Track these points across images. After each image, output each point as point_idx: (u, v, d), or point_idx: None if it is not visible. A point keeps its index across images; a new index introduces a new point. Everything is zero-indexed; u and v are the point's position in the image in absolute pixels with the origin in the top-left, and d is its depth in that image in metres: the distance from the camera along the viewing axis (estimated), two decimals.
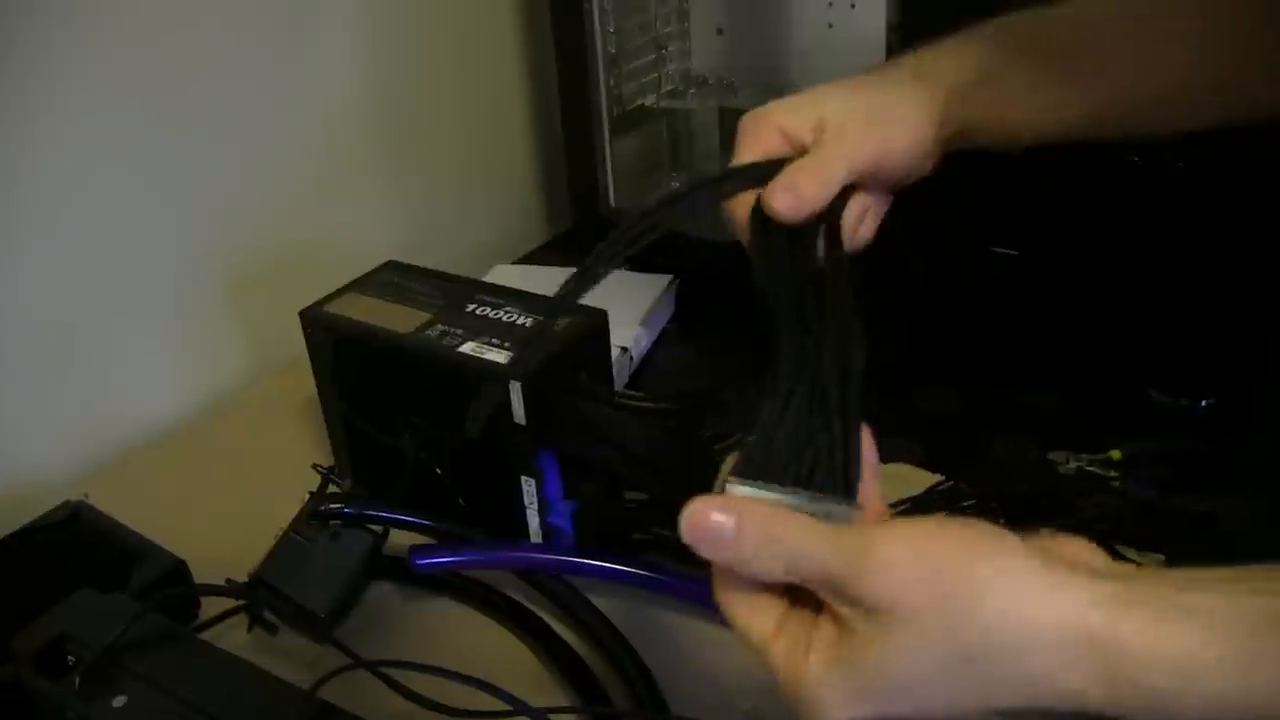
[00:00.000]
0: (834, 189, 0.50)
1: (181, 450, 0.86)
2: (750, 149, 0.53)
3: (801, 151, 0.52)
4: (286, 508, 0.66)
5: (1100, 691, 0.33)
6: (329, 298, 0.73)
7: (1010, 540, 0.35)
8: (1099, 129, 0.58)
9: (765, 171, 0.51)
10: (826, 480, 0.39)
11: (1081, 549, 0.37)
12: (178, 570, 0.67)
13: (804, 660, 0.37)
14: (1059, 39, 0.58)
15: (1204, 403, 0.80)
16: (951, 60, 0.57)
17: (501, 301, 0.70)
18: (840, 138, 0.52)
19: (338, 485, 0.66)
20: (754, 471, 0.39)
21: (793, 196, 0.49)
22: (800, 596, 0.38)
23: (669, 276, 1.02)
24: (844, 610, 0.36)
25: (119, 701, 0.47)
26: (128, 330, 0.87)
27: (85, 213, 0.82)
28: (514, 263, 1.13)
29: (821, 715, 0.36)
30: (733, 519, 0.37)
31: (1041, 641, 0.33)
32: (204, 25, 0.86)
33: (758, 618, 0.39)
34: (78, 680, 0.48)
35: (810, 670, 0.36)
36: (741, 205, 0.52)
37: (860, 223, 0.53)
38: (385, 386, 0.70)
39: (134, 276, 0.86)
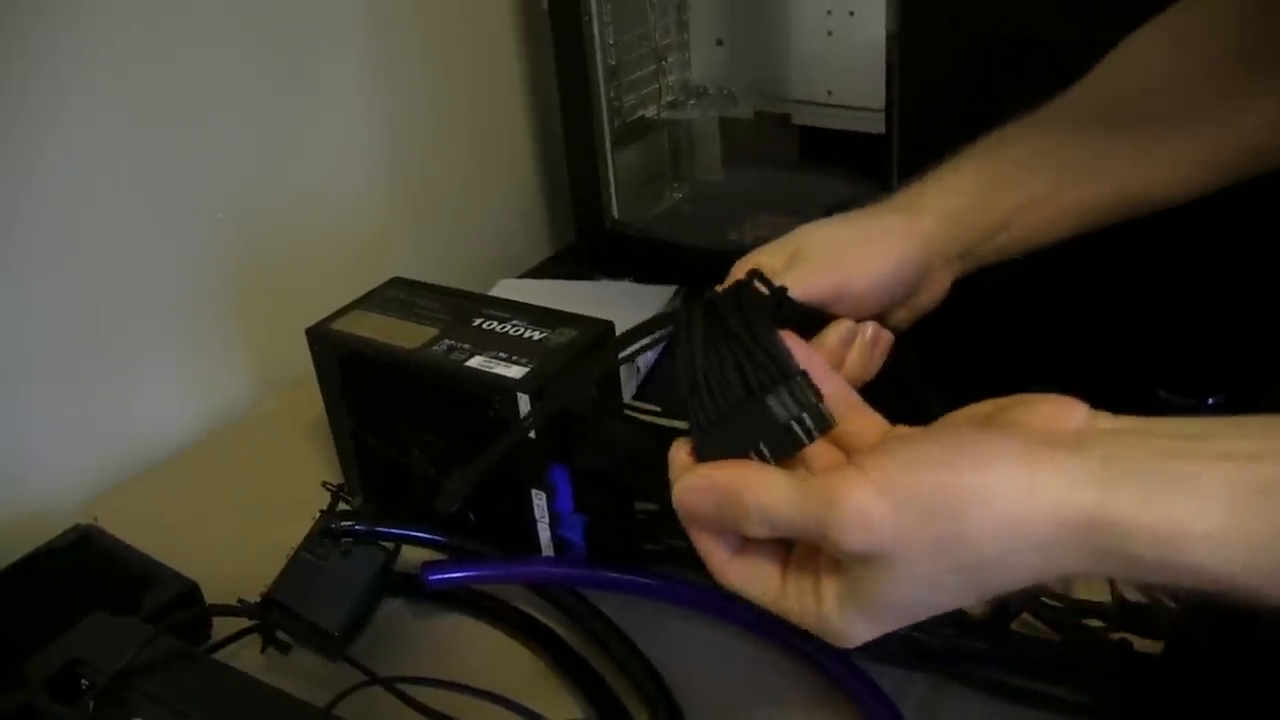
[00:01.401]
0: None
1: (190, 471, 0.86)
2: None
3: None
4: (297, 527, 0.66)
5: (1092, 564, 0.35)
6: (335, 315, 0.73)
7: (987, 444, 0.36)
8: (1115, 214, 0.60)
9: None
10: (766, 379, 0.40)
11: (1059, 410, 0.38)
12: (190, 592, 0.67)
13: (816, 605, 0.39)
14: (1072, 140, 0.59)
15: (1210, 401, 0.80)
16: (943, 188, 0.58)
17: (508, 315, 0.70)
18: (800, 264, 0.54)
19: (348, 503, 0.66)
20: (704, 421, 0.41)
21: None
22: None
23: (673, 287, 1.02)
24: (837, 555, 0.37)
25: None
26: (134, 352, 0.87)
27: (89, 235, 0.82)
28: (519, 276, 1.13)
29: (848, 643, 0.39)
30: (708, 496, 0.39)
31: (1033, 540, 0.34)
32: (209, 47, 0.87)
33: (757, 580, 0.41)
34: (91, 705, 0.48)
35: (826, 614, 0.38)
36: None
37: (846, 347, 0.52)
38: (393, 402, 0.70)
39: (139, 297, 0.86)
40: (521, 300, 0.73)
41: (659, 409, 0.88)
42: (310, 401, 0.86)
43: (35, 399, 0.81)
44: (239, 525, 0.76)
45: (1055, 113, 0.60)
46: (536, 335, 0.68)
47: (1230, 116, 0.58)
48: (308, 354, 0.73)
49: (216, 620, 0.66)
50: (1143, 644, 0.57)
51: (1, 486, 0.80)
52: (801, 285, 0.52)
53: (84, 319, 0.83)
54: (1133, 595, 0.60)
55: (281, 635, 0.64)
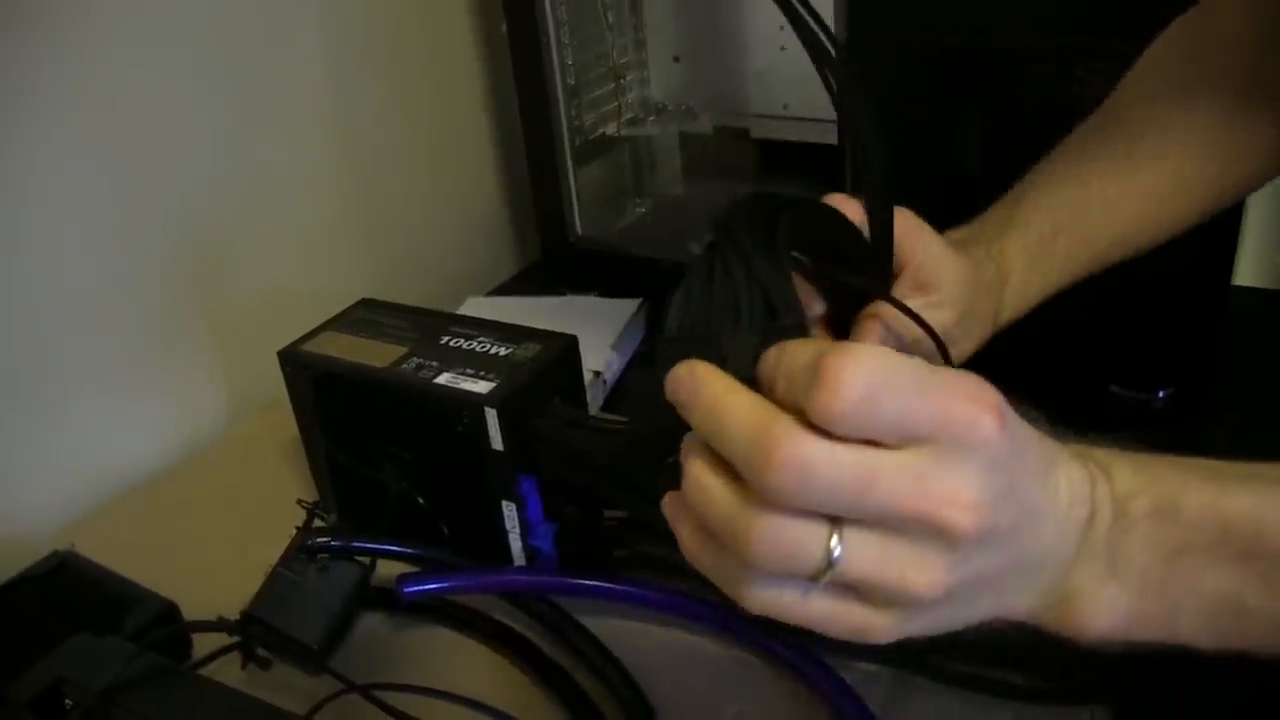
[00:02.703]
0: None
1: (166, 495, 0.87)
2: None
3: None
4: (273, 546, 0.66)
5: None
6: (306, 337, 0.74)
7: None
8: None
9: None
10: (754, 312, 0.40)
11: None
12: (169, 613, 0.68)
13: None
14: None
15: (1161, 394, 0.82)
16: (1016, 249, 0.61)
17: (474, 332, 0.72)
18: (935, 295, 0.55)
19: (323, 519, 0.67)
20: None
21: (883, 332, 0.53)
22: None
23: (638, 300, 1.04)
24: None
25: None
26: (106, 379, 0.88)
27: (59, 263, 0.82)
28: (486, 295, 1.15)
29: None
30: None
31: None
32: (175, 77, 0.88)
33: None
34: None
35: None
36: None
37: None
38: (365, 420, 0.71)
39: (110, 324, 0.87)
40: (490, 317, 0.75)
41: (625, 420, 0.89)
42: (282, 422, 0.87)
43: (7, 426, 0.82)
44: (216, 546, 0.77)
45: (1087, 151, 0.63)
46: (502, 351, 0.69)
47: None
48: (278, 376, 0.74)
49: (197, 640, 0.67)
50: None
51: None
52: (935, 315, 0.53)
53: (55, 345, 0.83)
54: None
55: (261, 651, 0.65)
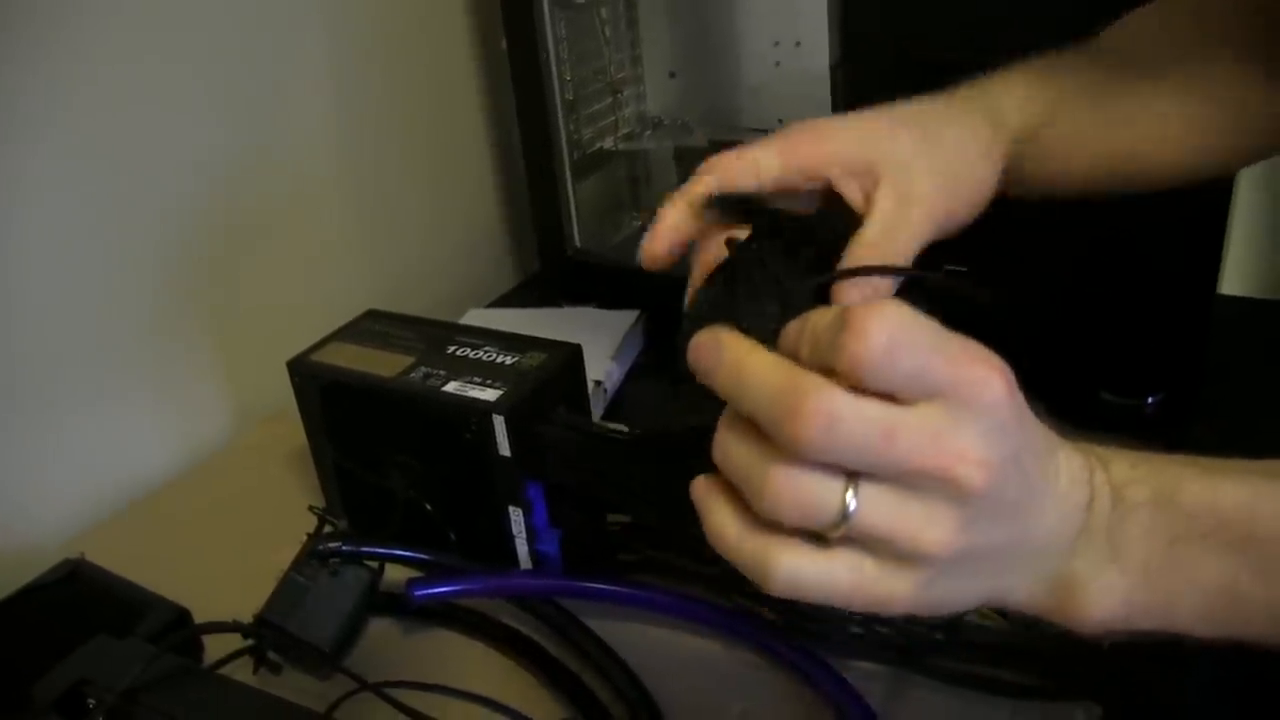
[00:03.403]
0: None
1: (171, 505, 0.88)
2: (783, 154, 0.52)
3: (830, 193, 0.52)
4: (280, 554, 0.67)
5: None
6: (314, 347, 0.75)
7: None
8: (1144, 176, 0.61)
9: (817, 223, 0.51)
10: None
11: None
12: (181, 618, 0.69)
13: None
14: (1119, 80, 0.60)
15: (1151, 399, 0.84)
16: (1014, 102, 0.57)
17: (480, 342, 0.73)
18: (907, 206, 0.51)
19: (334, 525, 0.68)
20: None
21: (870, 290, 0.49)
22: None
23: (636, 312, 1.05)
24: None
25: None
26: (109, 389, 0.89)
27: (63, 271, 0.84)
28: (487, 306, 1.17)
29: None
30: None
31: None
32: (179, 95, 0.90)
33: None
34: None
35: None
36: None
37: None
38: (373, 429, 0.73)
39: (117, 336, 0.88)
40: (491, 328, 0.76)
41: (625, 429, 0.91)
42: (287, 433, 0.89)
43: (12, 436, 0.83)
44: (223, 555, 0.78)
45: (1087, 57, 0.61)
46: (508, 360, 0.71)
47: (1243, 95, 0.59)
48: (282, 386, 0.75)
49: (208, 646, 0.68)
50: None
51: None
52: (915, 239, 0.51)
53: (59, 356, 0.84)
54: None
55: (272, 656, 0.66)
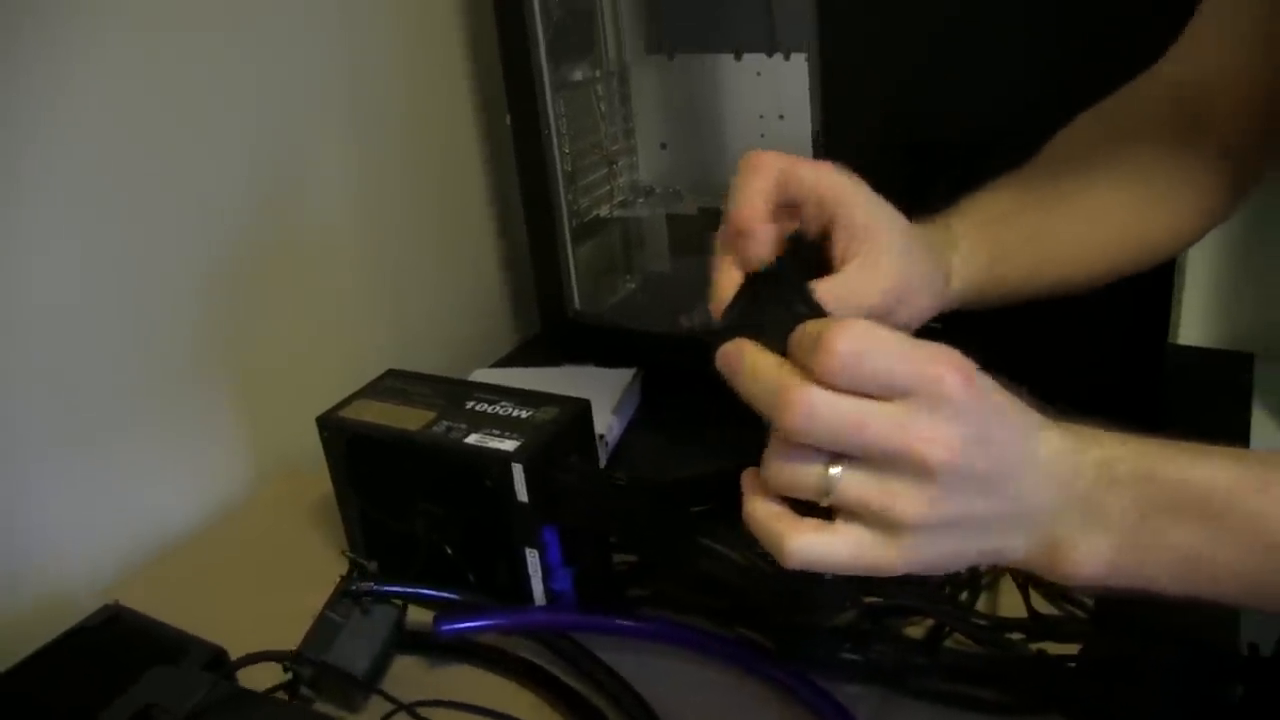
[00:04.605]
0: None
1: (199, 556, 0.92)
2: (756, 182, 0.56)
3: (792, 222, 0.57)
4: (307, 600, 0.72)
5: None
6: (341, 404, 0.81)
7: None
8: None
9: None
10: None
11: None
12: (219, 657, 0.74)
13: None
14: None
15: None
16: (962, 255, 0.63)
17: (496, 398, 0.79)
18: (871, 261, 0.55)
19: (365, 568, 0.74)
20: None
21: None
22: None
23: (633, 370, 1.11)
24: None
25: None
26: (139, 445, 0.93)
27: (91, 332, 0.88)
28: (491, 366, 1.22)
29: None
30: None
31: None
32: (201, 154, 0.95)
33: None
34: None
35: None
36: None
37: None
38: (397, 478, 0.78)
39: (141, 394, 0.92)
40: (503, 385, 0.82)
41: (625, 477, 0.97)
42: (305, 486, 0.94)
43: (43, 491, 0.86)
44: (252, 601, 0.82)
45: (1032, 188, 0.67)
46: (524, 414, 0.77)
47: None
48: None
49: (244, 683, 0.73)
50: (1058, 649, 0.67)
51: (18, 577, 0.85)
52: (871, 284, 0.55)
53: (90, 412, 0.88)
54: (1046, 609, 0.70)
55: (305, 691, 0.72)
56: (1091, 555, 0.46)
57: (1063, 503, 0.46)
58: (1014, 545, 0.47)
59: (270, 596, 0.81)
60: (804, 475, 0.45)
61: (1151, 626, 0.67)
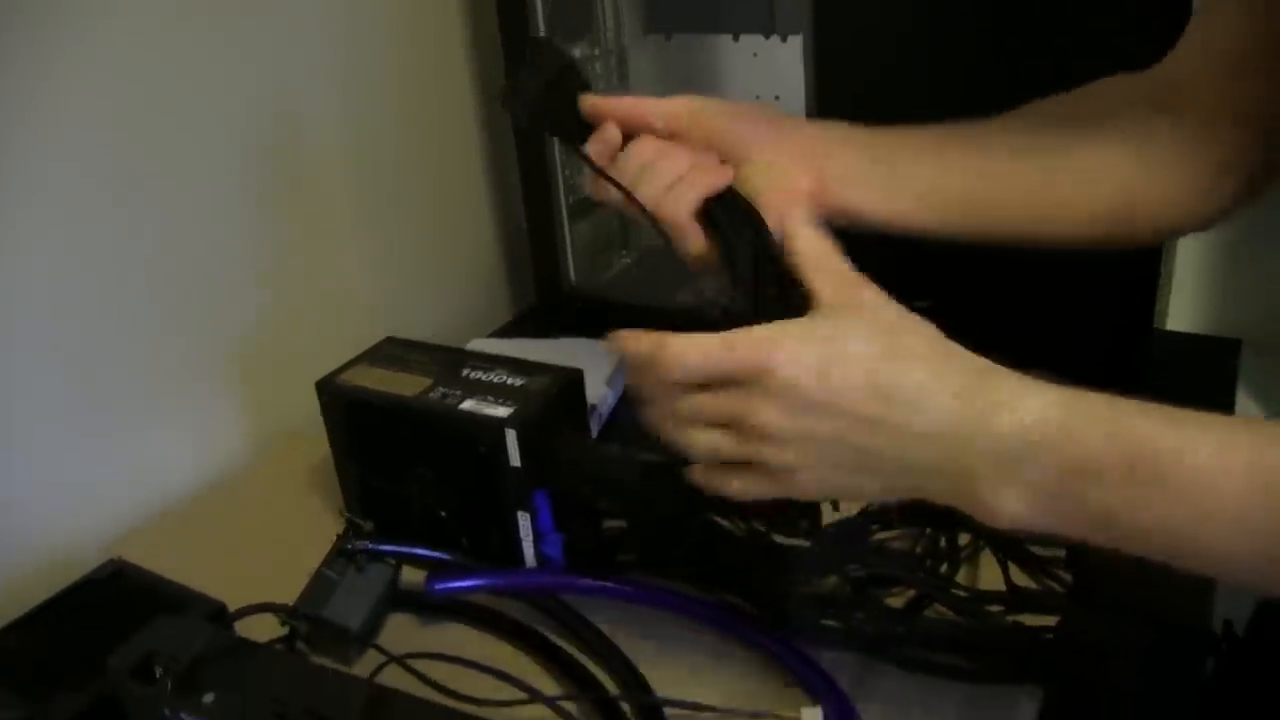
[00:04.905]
0: None
1: (200, 516, 0.94)
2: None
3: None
4: (304, 560, 0.75)
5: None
6: (339, 370, 0.83)
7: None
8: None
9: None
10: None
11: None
12: (220, 612, 0.76)
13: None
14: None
15: None
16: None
17: (491, 366, 0.81)
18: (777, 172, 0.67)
19: (361, 528, 0.76)
20: None
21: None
22: None
23: None
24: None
25: (208, 698, 0.57)
26: (144, 409, 0.95)
27: (100, 305, 0.90)
28: (487, 336, 1.24)
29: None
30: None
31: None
32: (204, 159, 0.97)
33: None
34: (170, 684, 0.57)
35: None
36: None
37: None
38: (394, 443, 0.80)
39: (153, 359, 0.95)
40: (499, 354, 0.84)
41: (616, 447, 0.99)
42: (303, 449, 0.96)
43: (49, 453, 0.88)
44: (250, 561, 0.84)
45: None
46: (518, 382, 0.79)
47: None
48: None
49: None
50: (1035, 621, 0.69)
51: (25, 535, 0.87)
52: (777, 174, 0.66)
53: (94, 376, 0.90)
54: (1025, 582, 0.72)
55: (300, 646, 0.74)
56: (1009, 504, 0.49)
57: (978, 453, 0.49)
58: (926, 485, 0.52)
59: (270, 555, 0.83)
60: (684, 405, 0.56)
61: (1127, 603, 0.69)
